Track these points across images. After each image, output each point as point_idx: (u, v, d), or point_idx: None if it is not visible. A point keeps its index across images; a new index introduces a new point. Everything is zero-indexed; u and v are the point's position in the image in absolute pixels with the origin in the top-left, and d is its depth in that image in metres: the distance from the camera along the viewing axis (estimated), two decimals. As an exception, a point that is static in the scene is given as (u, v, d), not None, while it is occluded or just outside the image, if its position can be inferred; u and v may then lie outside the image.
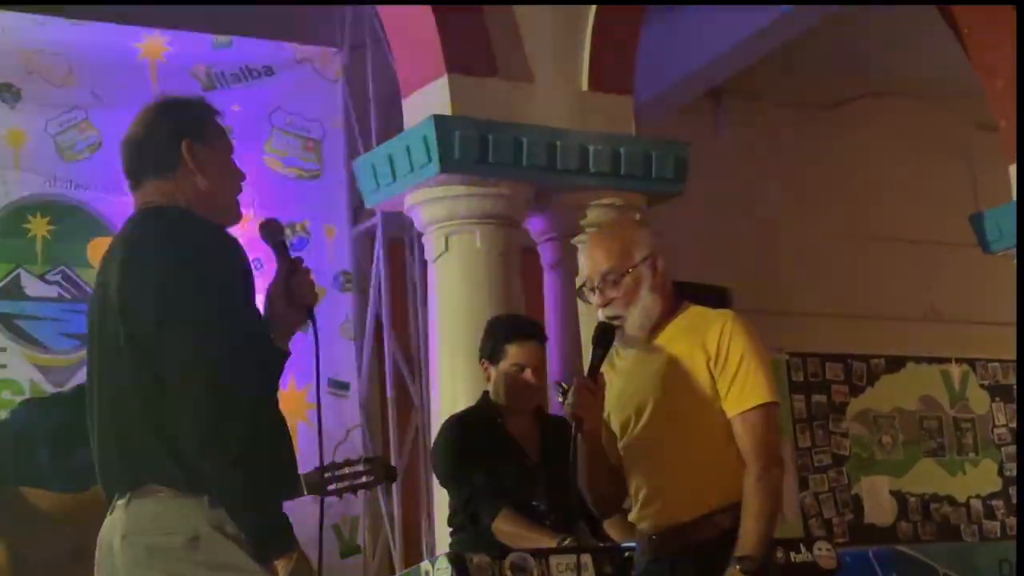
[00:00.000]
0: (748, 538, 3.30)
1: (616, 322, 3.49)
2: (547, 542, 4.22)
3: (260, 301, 2.88)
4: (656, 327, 3.53)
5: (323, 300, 7.16)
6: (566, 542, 4.20)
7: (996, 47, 7.40)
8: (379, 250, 7.17)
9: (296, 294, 2.95)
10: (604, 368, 3.52)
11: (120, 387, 2.79)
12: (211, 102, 3.10)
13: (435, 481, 5.72)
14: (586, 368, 3.53)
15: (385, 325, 7.15)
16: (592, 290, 3.53)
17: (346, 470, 3.87)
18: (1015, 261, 7.61)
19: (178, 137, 2.94)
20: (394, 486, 6.83)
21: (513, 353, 4.60)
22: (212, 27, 7.13)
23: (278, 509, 2.73)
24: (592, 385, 3.44)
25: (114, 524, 2.79)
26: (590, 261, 3.55)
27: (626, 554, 3.99)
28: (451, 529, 4.65)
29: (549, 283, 6.49)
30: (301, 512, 4.08)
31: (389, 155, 6.18)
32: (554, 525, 4.41)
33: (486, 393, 4.72)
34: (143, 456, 2.74)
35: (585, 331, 6.13)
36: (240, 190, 3.07)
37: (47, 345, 6.43)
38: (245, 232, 7.01)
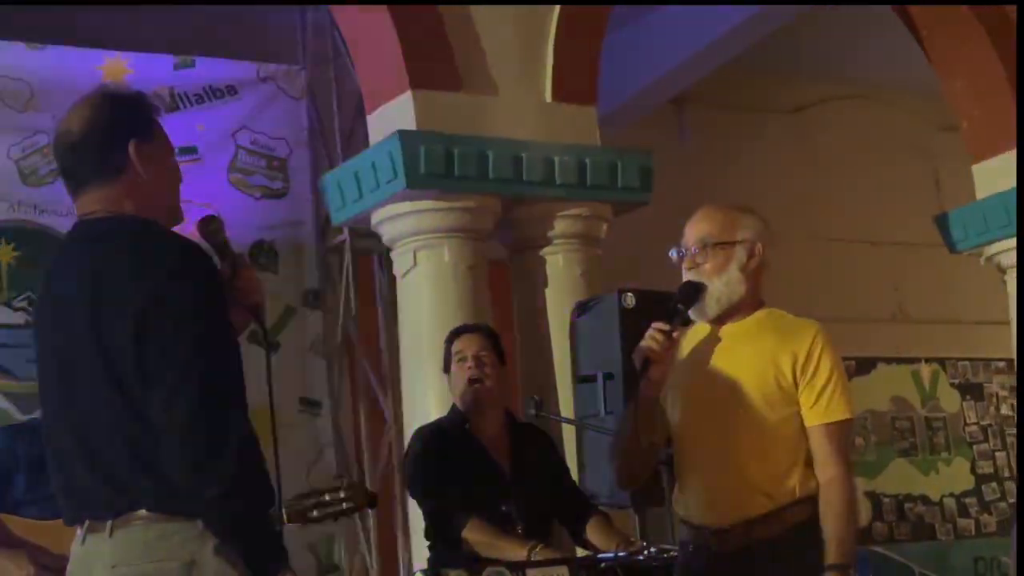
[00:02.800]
0: (839, 544, 3.38)
1: (695, 282, 3.53)
2: (517, 550, 4.23)
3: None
4: (734, 314, 3.56)
5: (292, 318, 7.15)
6: (536, 549, 4.22)
7: (955, 48, 7.46)
8: (347, 267, 7.15)
9: (241, 294, 2.86)
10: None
11: (95, 410, 2.64)
12: (149, 98, 2.92)
13: (410, 497, 5.72)
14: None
15: (355, 342, 7.14)
16: (683, 254, 3.56)
17: (328, 496, 3.84)
18: (983, 260, 7.67)
19: (124, 137, 2.77)
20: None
21: (454, 347, 4.75)
22: (174, 48, 7.11)
23: (271, 526, 2.68)
24: (666, 328, 3.42)
25: (94, 555, 2.66)
26: (693, 227, 3.60)
27: (602, 565, 3.99)
28: (428, 543, 4.65)
29: (518, 295, 6.49)
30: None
31: (355, 172, 6.17)
32: (525, 531, 4.43)
33: (453, 404, 4.77)
34: (126, 482, 2.62)
35: (556, 340, 6.14)
36: (180, 190, 2.90)
37: (15, 373, 6.39)
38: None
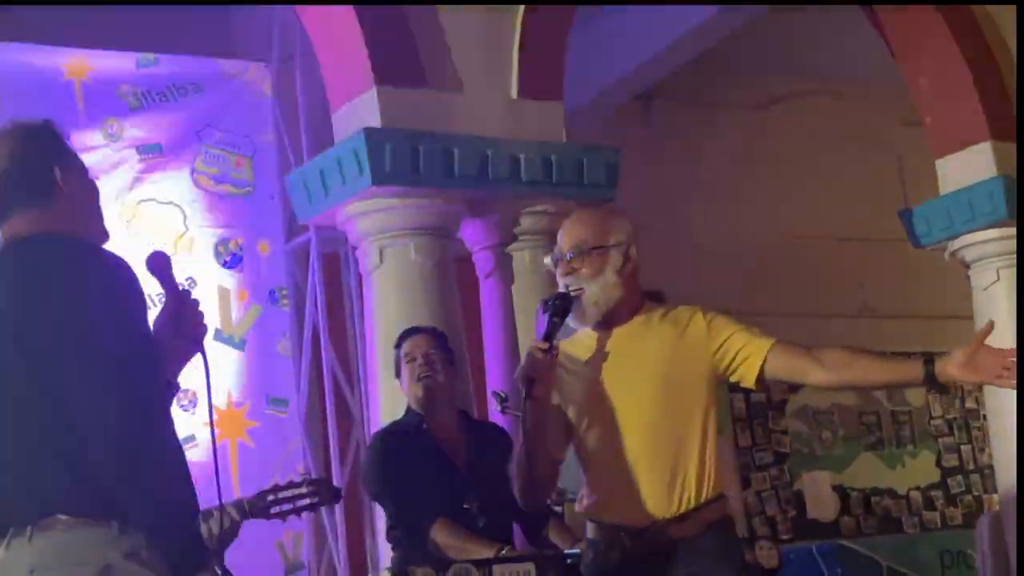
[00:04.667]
0: (886, 360, 3.52)
1: (574, 293, 3.53)
2: (485, 550, 4.23)
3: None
4: (618, 318, 3.57)
5: (259, 316, 7.13)
6: (503, 551, 4.22)
7: (919, 45, 7.50)
8: (314, 264, 7.13)
9: (186, 326, 2.92)
10: (563, 360, 3.53)
11: (17, 422, 2.71)
12: (56, 123, 3.02)
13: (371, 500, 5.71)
14: (540, 336, 3.51)
15: (323, 340, 7.12)
16: (561, 260, 3.57)
17: (290, 492, 3.85)
18: (947, 255, 7.71)
19: (48, 164, 2.90)
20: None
21: (404, 352, 4.82)
22: (137, 45, 7.07)
23: (190, 527, 2.73)
24: (545, 347, 3.44)
25: (15, 561, 2.69)
26: (567, 234, 3.61)
27: (568, 561, 3.99)
28: (391, 544, 4.64)
29: (485, 292, 6.49)
30: (242, 533, 4.09)
31: (320, 170, 6.15)
32: (487, 529, 4.44)
33: (408, 406, 4.81)
34: (46, 487, 2.67)
35: (524, 339, 6.14)
36: (101, 207, 3.04)
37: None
38: (193, 254, 6.93)
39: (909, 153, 9.31)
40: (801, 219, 9.71)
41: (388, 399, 5.89)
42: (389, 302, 6.04)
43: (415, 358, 4.74)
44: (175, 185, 7.01)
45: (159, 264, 2.96)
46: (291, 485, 3.88)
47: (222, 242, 7.10)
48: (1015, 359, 3.32)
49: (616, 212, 3.78)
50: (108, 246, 2.90)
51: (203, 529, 3.69)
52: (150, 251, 3.00)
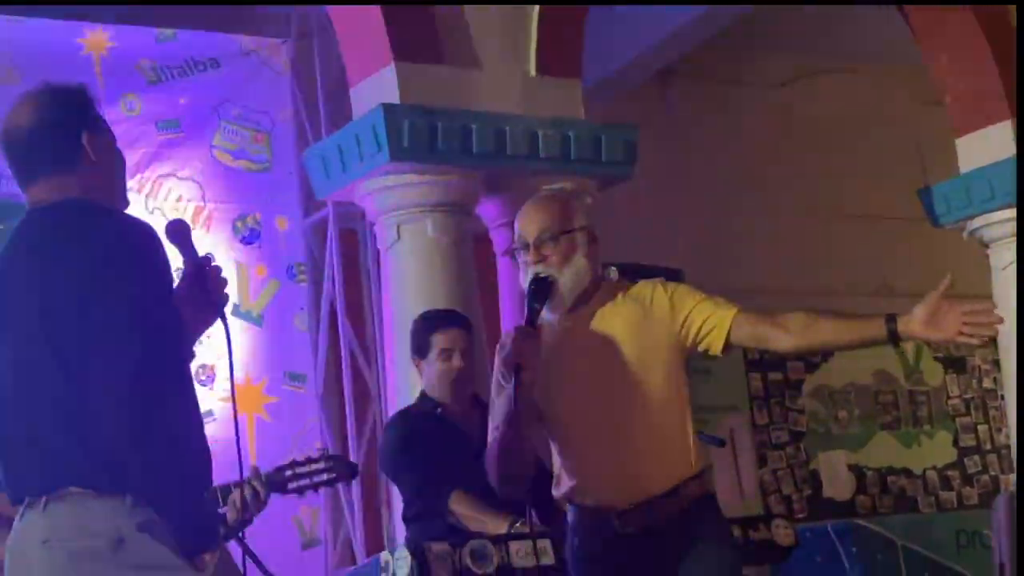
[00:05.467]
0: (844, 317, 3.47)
1: (545, 276, 3.45)
2: (500, 524, 4.22)
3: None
4: (584, 299, 3.51)
5: (277, 292, 7.15)
6: (518, 524, 4.21)
7: (939, 23, 7.46)
8: (331, 241, 7.14)
9: (206, 294, 2.89)
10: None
11: (34, 390, 2.69)
12: (89, 89, 2.98)
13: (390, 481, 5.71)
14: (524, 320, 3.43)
15: (340, 315, 7.12)
16: (526, 248, 3.49)
17: (307, 467, 3.86)
18: (965, 235, 7.69)
19: (77, 130, 2.86)
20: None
21: (438, 341, 4.63)
22: (156, 21, 7.08)
23: (202, 503, 2.71)
24: (531, 330, 3.37)
25: (29, 530, 2.70)
26: (529, 221, 3.52)
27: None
28: (406, 525, 4.64)
29: (502, 269, 6.49)
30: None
31: (338, 146, 6.15)
32: (505, 503, 4.38)
33: (423, 391, 4.73)
34: (61, 457, 2.66)
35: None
36: (126, 176, 3.03)
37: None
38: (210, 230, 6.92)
39: (928, 132, 9.26)
40: (820, 196, 9.68)
41: (404, 374, 5.90)
42: (406, 279, 6.04)
43: (451, 355, 4.61)
44: (193, 161, 7.02)
45: (179, 232, 2.94)
46: (309, 460, 3.89)
47: (240, 218, 7.12)
48: (980, 312, 3.32)
49: (573, 195, 3.73)
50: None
51: (228, 502, 3.68)
52: (169, 220, 2.98)
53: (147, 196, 6.82)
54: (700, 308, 3.52)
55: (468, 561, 3.79)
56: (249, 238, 7.09)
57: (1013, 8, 7.25)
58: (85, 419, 2.62)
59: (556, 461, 3.58)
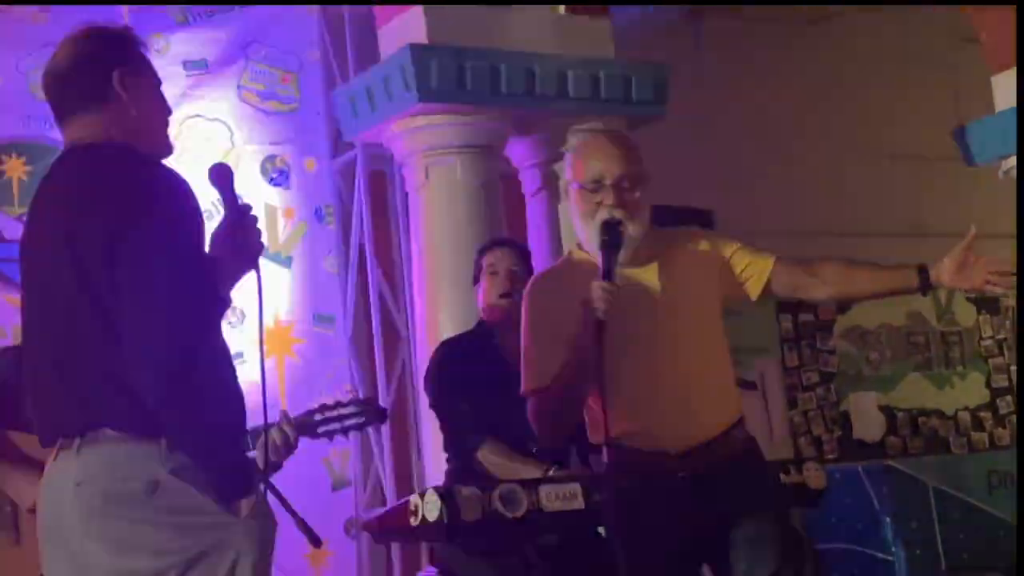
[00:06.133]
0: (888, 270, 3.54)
1: (619, 227, 3.40)
2: (533, 471, 4.21)
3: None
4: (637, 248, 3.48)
5: (305, 234, 7.11)
6: (551, 471, 4.19)
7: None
8: (360, 182, 7.08)
9: (244, 241, 2.87)
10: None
11: (67, 331, 2.69)
12: (135, 32, 2.96)
13: (423, 413, 5.72)
14: (601, 273, 3.36)
15: (368, 258, 7.08)
16: (600, 187, 3.41)
17: (336, 411, 3.83)
18: (1000, 174, 7.59)
19: (109, 68, 2.83)
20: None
21: (486, 263, 4.67)
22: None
23: (238, 449, 2.72)
24: (613, 288, 3.30)
25: (62, 472, 2.69)
26: (610, 159, 3.44)
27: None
28: (446, 455, 4.64)
29: (531, 209, 6.45)
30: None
31: (367, 86, 6.11)
32: (541, 451, 4.37)
33: (480, 319, 4.73)
34: (95, 400, 2.65)
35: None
36: (168, 124, 2.99)
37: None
38: (239, 171, 6.86)
39: (964, 69, 9.13)
40: (852, 135, 9.57)
41: (433, 316, 5.89)
42: (434, 220, 6.02)
43: (497, 272, 4.62)
44: (221, 101, 6.97)
45: (222, 176, 2.93)
46: (338, 404, 3.86)
47: (269, 159, 7.07)
48: (1003, 264, 3.43)
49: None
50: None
51: (258, 446, 3.66)
52: (213, 163, 2.97)
53: (175, 138, 6.74)
54: (739, 255, 3.56)
55: (498, 505, 3.78)
56: (278, 180, 7.05)
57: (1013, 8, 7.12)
58: (119, 362, 2.61)
59: (596, 406, 3.53)
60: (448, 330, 5.41)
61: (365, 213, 7.08)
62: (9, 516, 3.87)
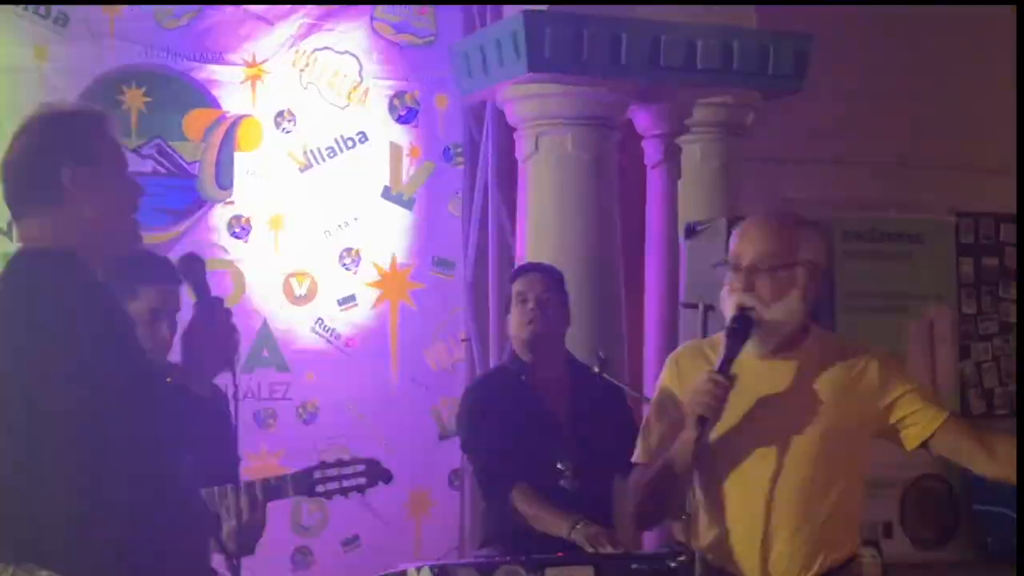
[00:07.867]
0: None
1: (751, 314, 3.17)
2: (559, 524, 4.08)
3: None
4: (788, 345, 3.22)
5: (431, 174, 6.88)
6: (578, 526, 4.03)
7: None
8: (489, 126, 6.74)
9: (216, 339, 2.79)
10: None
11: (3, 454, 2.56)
12: (98, 110, 2.76)
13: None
14: (719, 363, 3.16)
15: (491, 203, 6.79)
16: (737, 270, 3.19)
17: (336, 471, 3.71)
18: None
19: (58, 163, 2.63)
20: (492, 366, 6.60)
21: (516, 290, 4.48)
22: None
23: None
24: (724, 382, 3.10)
25: None
26: (748, 243, 3.21)
27: (633, 566, 3.75)
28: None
29: (651, 182, 6.11)
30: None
31: (480, 47, 5.82)
32: (577, 492, 4.25)
33: (512, 350, 4.56)
34: (19, 533, 2.54)
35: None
36: (137, 207, 2.77)
37: (141, 222, 6.32)
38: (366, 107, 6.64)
39: None
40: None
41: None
42: (542, 194, 5.78)
43: (527, 300, 4.42)
44: (353, 34, 6.72)
45: (192, 268, 2.85)
46: (340, 463, 3.73)
47: (398, 95, 6.80)
48: None
49: (808, 223, 3.32)
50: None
51: (221, 510, 3.51)
52: (184, 254, 2.92)
53: (302, 70, 6.57)
54: (909, 398, 3.25)
55: (495, 589, 3.60)
56: (406, 117, 6.78)
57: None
58: (40, 496, 2.50)
59: (696, 502, 3.33)
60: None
61: (492, 158, 6.78)
62: None
